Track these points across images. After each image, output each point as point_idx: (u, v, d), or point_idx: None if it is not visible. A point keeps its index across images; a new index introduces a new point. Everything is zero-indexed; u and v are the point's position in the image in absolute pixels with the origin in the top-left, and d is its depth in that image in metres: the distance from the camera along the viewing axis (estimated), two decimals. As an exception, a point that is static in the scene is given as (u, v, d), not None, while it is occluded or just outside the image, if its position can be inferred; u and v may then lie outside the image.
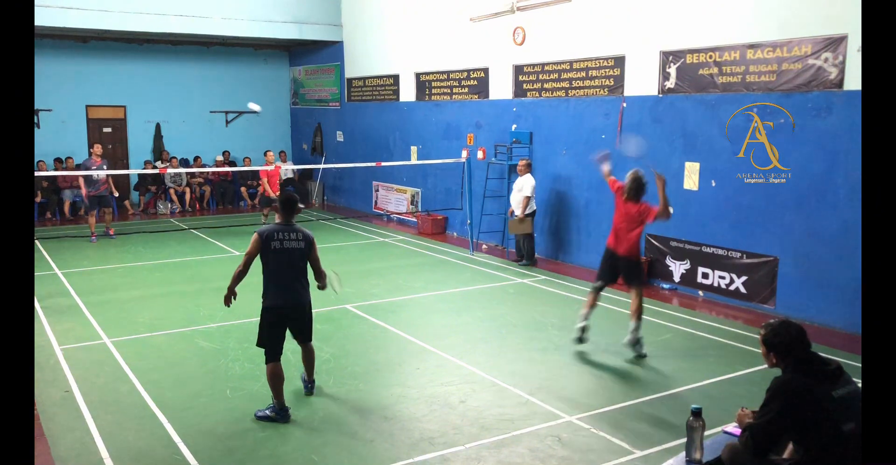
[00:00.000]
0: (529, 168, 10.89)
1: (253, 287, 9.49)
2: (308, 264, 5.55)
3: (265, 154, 14.28)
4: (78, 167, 14.34)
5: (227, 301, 5.59)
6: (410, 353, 7.04)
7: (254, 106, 9.75)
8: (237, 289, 5.52)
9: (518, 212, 10.74)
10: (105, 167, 12.57)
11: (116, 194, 13.56)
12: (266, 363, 5.44)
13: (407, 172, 14.94)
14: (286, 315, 5.48)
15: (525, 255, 11.00)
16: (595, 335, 7.46)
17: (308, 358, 5.85)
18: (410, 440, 5.11)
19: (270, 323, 5.44)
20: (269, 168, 13.19)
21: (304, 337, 5.73)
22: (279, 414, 5.39)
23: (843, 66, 7.41)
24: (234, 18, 15.69)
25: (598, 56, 10.31)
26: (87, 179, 12.59)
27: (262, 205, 14.05)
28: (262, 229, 5.42)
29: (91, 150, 13.05)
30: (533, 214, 10.90)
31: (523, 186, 10.71)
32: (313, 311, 5.77)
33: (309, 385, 5.94)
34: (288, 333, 5.61)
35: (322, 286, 5.64)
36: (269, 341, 5.44)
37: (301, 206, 5.52)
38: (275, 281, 5.40)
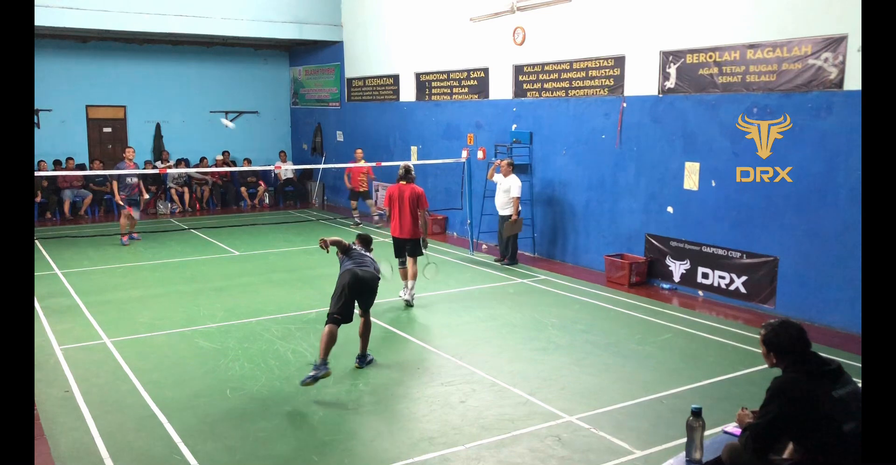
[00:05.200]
0: (513, 168, 10.76)
1: (252, 288, 9.49)
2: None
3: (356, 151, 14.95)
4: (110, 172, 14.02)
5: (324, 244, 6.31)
6: (410, 353, 7.04)
7: (227, 123, 10.30)
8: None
9: (507, 212, 10.69)
10: (136, 170, 12.32)
11: (147, 197, 13.40)
12: (327, 324, 6.06)
13: (407, 172, 14.92)
14: (362, 278, 6.23)
15: (508, 255, 10.97)
16: (595, 335, 7.47)
17: (366, 330, 6.56)
18: (410, 440, 5.11)
19: (345, 287, 6.15)
20: (359, 165, 14.16)
21: (367, 304, 6.48)
22: (319, 368, 5.86)
23: (843, 66, 7.41)
24: (234, 18, 15.69)
25: (598, 56, 10.32)
26: (121, 183, 12.28)
27: (350, 198, 15.00)
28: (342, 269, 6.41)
29: (124, 154, 12.55)
30: (519, 213, 10.86)
31: (510, 186, 10.61)
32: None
33: (361, 358, 6.58)
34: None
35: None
36: (338, 305, 6.12)
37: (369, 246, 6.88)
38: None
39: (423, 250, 8.66)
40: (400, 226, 8.66)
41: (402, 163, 9.06)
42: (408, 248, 8.70)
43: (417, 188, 8.73)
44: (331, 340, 5.97)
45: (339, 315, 6.11)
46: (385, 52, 15.34)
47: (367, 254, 6.62)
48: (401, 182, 8.70)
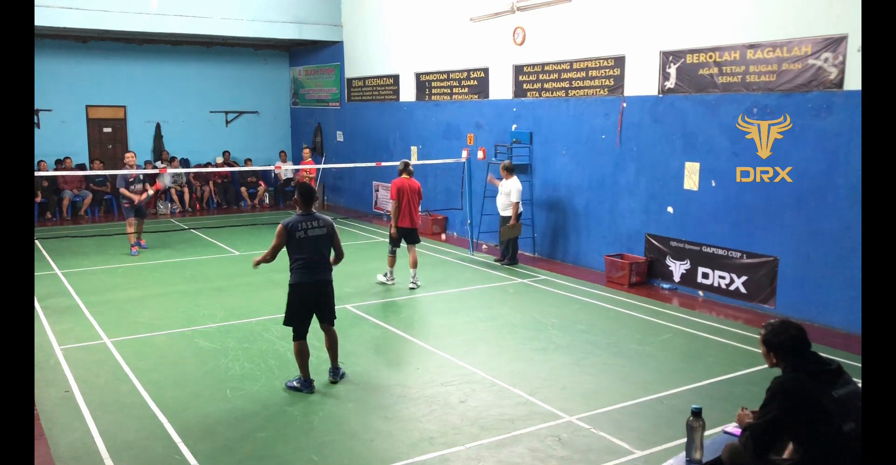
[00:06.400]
0: (511, 172, 10.67)
1: (252, 288, 9.49)
2: (331, 247, 6.01)
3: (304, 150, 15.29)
4: (116, 176, 13.09)
5: (257, 264, 5.99)
6: (410, 353, 7.04)
7: None
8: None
9: (508, 213, 10.68)
10: (142, 177, 11.81)
11: (149, 193, 12.87)
12: (293, 341, 5.94)
13: (407, 172, 14.92)
14: (311, 291, 5.84)
15: (509, 255, 10.96)
16: (595, 335, 7.47)
17: (332, 344, 6.14)
18: (410, 440, 5.11)
19: (296, 300, 5.84)
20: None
21: (326, 317, 6.05)
22: (304, 385, 5.93)
23: (843, 66, 7.41)
24: (234, 18, 15.69)
25: (598, 56, 10.31)
26: (130, 189, 11.62)
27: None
28: (286, 221, 5.80)
29: (125, 161, 11.81)
30: (519, 216, 10.83)
31: (510, 190, 10.58)
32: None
33: (334, 372, 6.18)
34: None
35: (335, 264, 6.11)
36: (296, 319, 5.88)
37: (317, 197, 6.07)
38: (299, 263, 5.80)
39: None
40: (410, 217, 9.43)
41: (404, 160, 9.91)
42: (410, 236, 9.53)
43: (418, 182, 9.67)
44: (304, 355, 5.92)
45: (303, 327, 5.92)
46: (385, 52, 15.34)
47: (316, 224, 5.80)
48: (403, 176, 9.52)
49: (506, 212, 10.75)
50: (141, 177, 11.87)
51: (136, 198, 11.64)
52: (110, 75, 17.11)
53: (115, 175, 11.80)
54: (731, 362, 6.71)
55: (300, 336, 5.92)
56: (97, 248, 12.06)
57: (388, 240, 9.64)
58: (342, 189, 17.62)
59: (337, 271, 6.11)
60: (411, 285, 9.43)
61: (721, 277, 8.87)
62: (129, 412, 5.57)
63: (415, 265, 9.52)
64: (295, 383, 5.99)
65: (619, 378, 6.29)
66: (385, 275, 9.69)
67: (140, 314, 8.22)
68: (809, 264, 7.93)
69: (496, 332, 7.63)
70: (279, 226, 5.76)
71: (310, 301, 5.89)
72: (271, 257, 5.87)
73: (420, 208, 9.64)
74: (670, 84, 9.31)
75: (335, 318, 6.17)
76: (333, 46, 17.21)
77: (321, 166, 15.38)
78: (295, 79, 19.30)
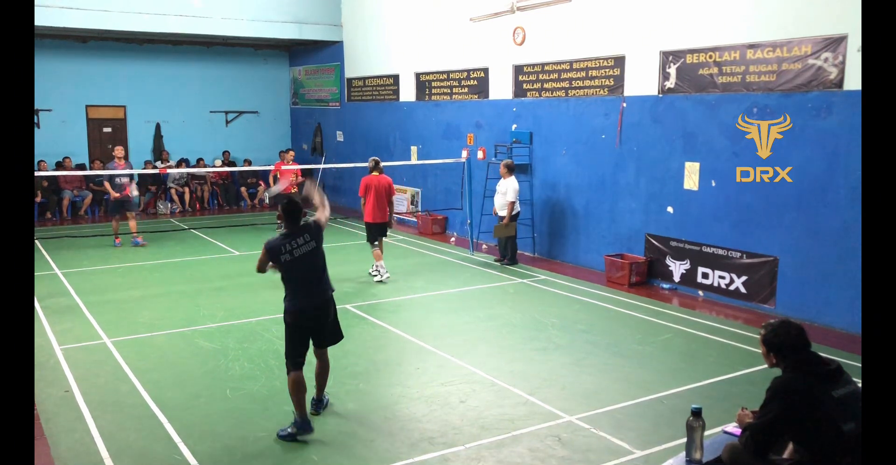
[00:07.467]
0: (511, 171, 10.70)
1: (252, 288, 9.49)
2: (322, 253, 5.40)
3: (287, 152, 14.04)
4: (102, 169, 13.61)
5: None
6: (410, 353, 7.04)
7: None
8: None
9: (504, 214, 10.70)
10: (129, 169, 12.02)
11: (135, 194, 12.76)
12: (287, 373, 5.19)
13: (407, 172, 14.94)
14: (308, 316, 5.24)
15: (508, 255, 10.96)
16: (595, 335, 7.47)
17: (322, 370, 5.50)
18: (410, 440, 5.11)
19: (293, 327, 5.23)
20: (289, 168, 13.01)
21: (324, 341, 5.41)
22: (301, 428, 5.08)
23: (843, 66, 7.41)
24: (234, 18, 15.70)
25: (598, 56, 10.31)
26: (112, 182, 12.02)
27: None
28: (269, 242, 5.21)
29: (113, 153, 12.28)
30: (517, 216, 10.83)
31: (507, 189, 10.60)
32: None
33: (317, 403, 5.53)
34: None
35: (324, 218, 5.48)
36: (293, 347, 5.21)
37: (305, 210, 5.50)
38: (292, 286, 5.24)
39: (388, 231, 10.17)
40: (377, 212, 9.79)
41: (373, 158, 10.31)
42: (382, 230, 9.93)
43: (388, 178, 10.03)
44: (301, 389, 5.13)
45: (301, 357, 5.23)
46: (385, 52, 15.34)
47: (301, 241, 5.18)
48: (373, 173, 9.89)
49: (503, 211, 10.75)
50: (129, 169, 12.11)
51: (113, 194, 12.03)
52: (110, 75, 17.11)
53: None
54: (731, 362, 6.71)
55: (296, 367, 5.16)
56: (97, 248, 12.06)
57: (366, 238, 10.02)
58: (342, 189, 17.61)
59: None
60: (374, 275, 9.85)
61: (721, 277, 8.87)
62: (129, 412, 5.58)
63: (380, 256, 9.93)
64: (289, 430, 5.11)
65: (619, 378, 6.29)
66: (378, 274, 9.83)
67: (140, 314, 8.22)
68: (809, 264, 7.93)
69: (496, 332, 7.63)
70: (263, 246, 5.22)
71: (308, 327, 5.26)
72: (259, 270, 5.36)
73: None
74: (670, 84, 9.31)
75: (340, 339, 5.54)
76: (333, 46, 17.21)
77: (321, 167, 15.37)
78: (295, 79, 19.30)
